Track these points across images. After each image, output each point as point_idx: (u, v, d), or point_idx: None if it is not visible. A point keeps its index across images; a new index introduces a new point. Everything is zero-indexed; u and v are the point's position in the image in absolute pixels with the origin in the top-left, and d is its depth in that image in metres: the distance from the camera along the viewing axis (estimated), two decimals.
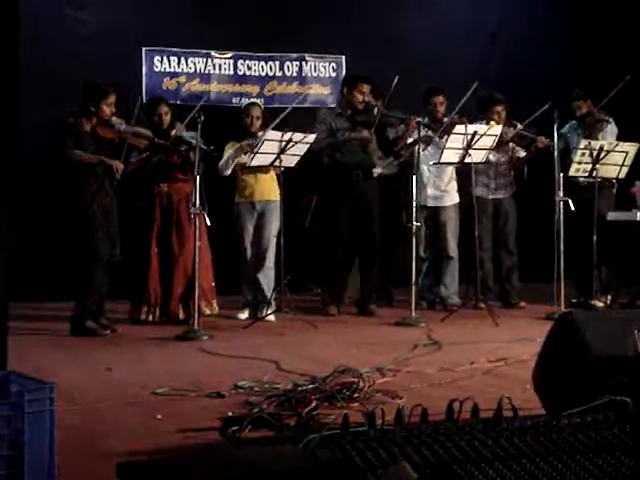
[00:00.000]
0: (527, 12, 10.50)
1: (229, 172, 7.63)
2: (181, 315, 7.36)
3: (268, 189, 7.70)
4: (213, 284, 7.54)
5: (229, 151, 7.64)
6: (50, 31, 8.79)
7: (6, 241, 4.65)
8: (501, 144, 8.05)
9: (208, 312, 7.41)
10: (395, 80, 7.42)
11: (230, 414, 4.11)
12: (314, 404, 4.25)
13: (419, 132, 7.70)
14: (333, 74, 9.84)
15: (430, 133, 7.94)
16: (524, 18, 10.46)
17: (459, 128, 7.54)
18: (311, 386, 4.62)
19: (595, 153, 7.68)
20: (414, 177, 7.46)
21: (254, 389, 4.75)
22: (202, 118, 7.04)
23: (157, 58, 9.33)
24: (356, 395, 4.50)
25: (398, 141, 8.04)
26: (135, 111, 6.86)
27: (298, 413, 4.11)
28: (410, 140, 7.93)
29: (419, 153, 7.65)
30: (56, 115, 7.40)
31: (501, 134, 7.84)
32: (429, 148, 7.98)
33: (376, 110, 7.76)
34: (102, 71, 8.20)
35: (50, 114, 7.93)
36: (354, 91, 7.94)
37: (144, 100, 8.40)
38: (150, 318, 7.37)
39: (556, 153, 7.61)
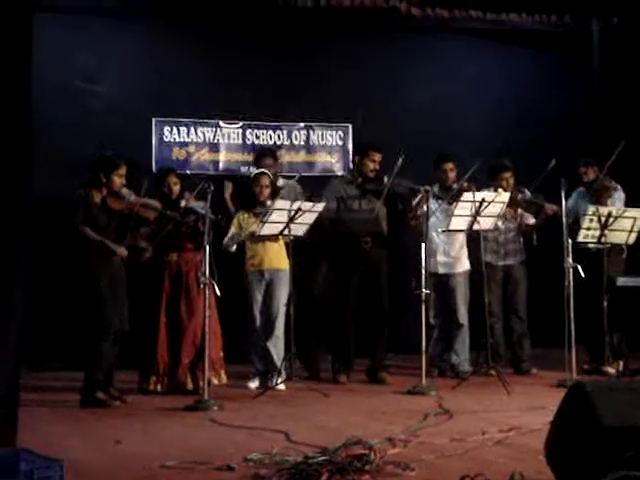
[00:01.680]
0: (535, 80, 10.56)
1: (234, 249, 7.65)
2: (189, 385, 7.33)
3: (277, 258, 7.72)
4: (221, 354, 7.52)
5: (233, 229, 7.67)
6: (61, 103, 8.89)
7: (19, 314, 4.68)
8: (509, 209, 8.08)
9: (216, 382, 7.37)
10: (399, 160, 7.48)
11: None
12: (325, 477, 4.23)
13: (427, 201, 7.74)
14: (340, 142, 9.91)
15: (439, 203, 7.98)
16: (532, 86, 10.53)
17: (467, 195, 7.58)
18: (322, 458, 4.58)
19: (603, 219, 7.70)
20: (423, 244, 7.48)
21: (264, 461, 4.72)
22: (211, 188, 7.10)
23: (167, 128, 9.42)
24: (367, 467, 4.47)
25: (407, 211, 8.07)
26: (145, 184, 6.93)
27: None
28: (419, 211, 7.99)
29: (428, 220, 7.69)
30: (67, 187, 7.46)
31: (510, 199, 7.87)
32: (439, 215, 8.01)
33: (386, 179, 7.81)
34: (113, 142, 8.28)
35: (61, 186, 7.99)
36: (366, 159, 8.02)
37: (154, 170, 8.49)
38: (159, 388, 7.34)
39: (564, 219, 7.63)
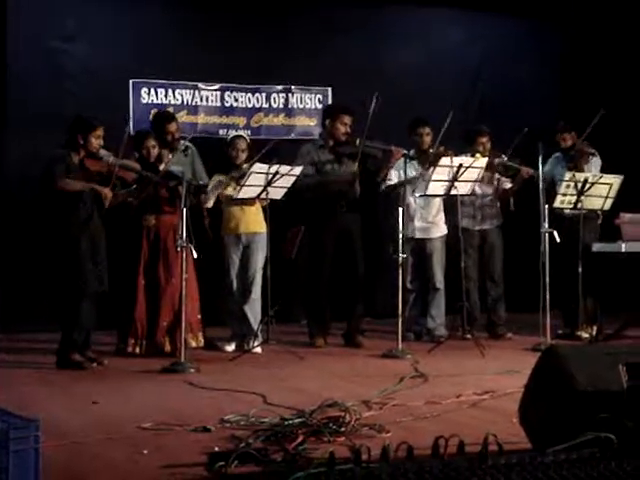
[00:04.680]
0: (510, 44, 10.58)
1: (211, 204, 7.63)
2: (167, 347, 7.34)
3: (254, 221, 7.72)
4: (199, 316, 7.53)
5: (211, 183, 7.64)
6: (36, 64, 8.80)
7: None
8: (487, 173, 8.10)
9: (194, 344, 7.39)
10: (373, 102, 7.42)
11: (216, 449, 4.09)
12: (301, 439, 4.25)
13: (405, 165, 7.74)
14: (319, 106, 9.89)
15: (415, 172, 7.97)
16: (507, 50, 10.55)
17: (445, 160, 7.59)
18: (298, 420, 4.62)
19: (580, 185, 7.74)
20: (400, 209, 7.49)
21: (241, 423, 4.75)
22: (190, 151, 7.01)
23: (144, 90, 9.36)
24: (343, 429, 4.50)
25: (379, 171, 8.06)
26: (122, 144, 6.86)
27: (285, 448, 4.10)
28: (394, 172, 7.99)
29: (405, 186, 7.70)
30: (43, 148, 7.40)
31: (488, 163, 7.90)
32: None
33: (358, 141, 7.77)
34: (89, 103, 8.27)
35: (37, 147, 7.92)
36: (336, 122, 7.95)
37: (132, 132, 8.42)
38: (137, 350, 7.35)
39: (541, 185, 7.65)
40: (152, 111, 9.06)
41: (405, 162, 7.76)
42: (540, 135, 7.71)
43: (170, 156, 7.47)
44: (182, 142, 7.86)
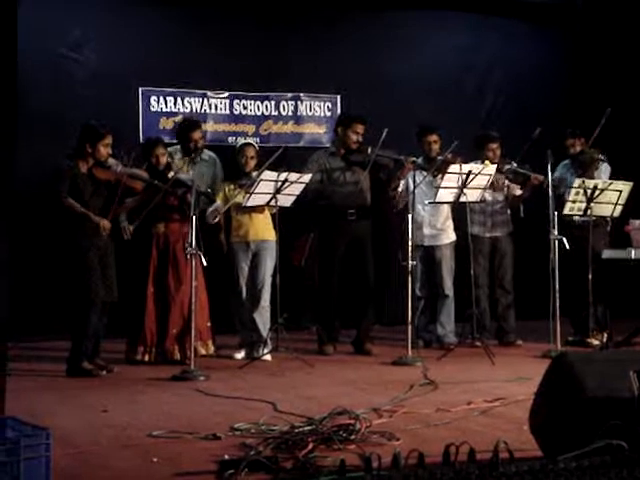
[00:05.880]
0: (518, 52, 10.57)
1: (215, 221, 7.63)
2: (177, 355, 7.35)
3: (263, 229, 7.72)
4: (209, 324, 7.54)
5: (218, 201, 7.64)
6: (45, 72, 8.82)
7: (3, 283, 4.67)
8: (496, 181, 8.10)
9: (203, 352, 7.41)
10: (384, 134, 7.47)
11: (226, 457, 4.09)
12: (311, 446, 4.25)
13: (414, 173, 7.75)
14: (328, 113, 9.89)
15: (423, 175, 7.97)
16: (515, 57, 10.53)
17: (454, 167, 7.59)
18: (308, 428, 4.63)
19: (589, 192, 7.72)
20: (409, 216, 7.49)
21: (251, 431, 4.75)
22: (199, 158, 7.01)
23: (153, 98, 9.37)
24: (353, 437, 4.50)
25: (391, 181, 8.07)
26: (132, 154, 6.88)
27: (295, 456, 4.11)
28: (403, 182, 8.00)
29: (414, 193, 7.69)
30: (53, 156, 7.41)
31: (496, 172, 7.90)
32: (423, 187, 8.00)
33: (370, 150, 7.79)
34: (98, 111, 8.26)
35: (47, 155, 7.94)
36: (348, 131, 7.97)
37: (141, 140, 8.44)
38: (146, 358, 7.36)
39: (550, 192, 7.65)
40: (163, 119, 9.11)
41: (414, 170, 7.77)
42: (549, 141, 7.72)
43: (183, 165, 7.51)
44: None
